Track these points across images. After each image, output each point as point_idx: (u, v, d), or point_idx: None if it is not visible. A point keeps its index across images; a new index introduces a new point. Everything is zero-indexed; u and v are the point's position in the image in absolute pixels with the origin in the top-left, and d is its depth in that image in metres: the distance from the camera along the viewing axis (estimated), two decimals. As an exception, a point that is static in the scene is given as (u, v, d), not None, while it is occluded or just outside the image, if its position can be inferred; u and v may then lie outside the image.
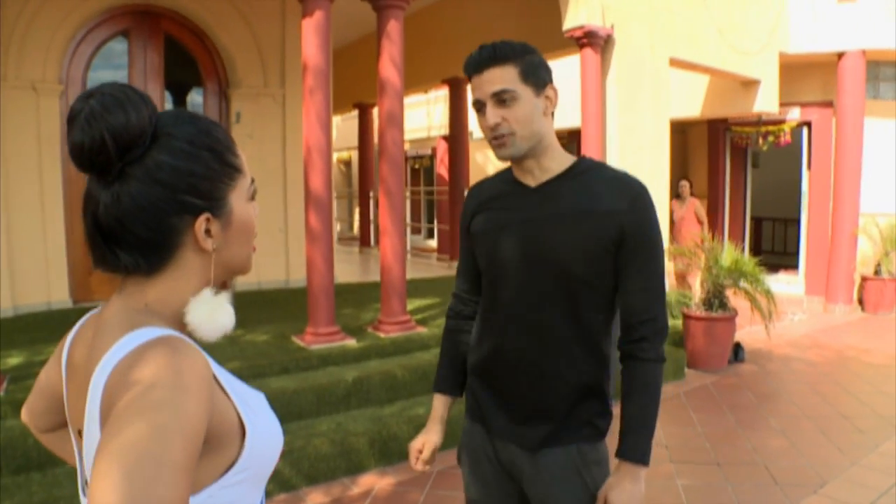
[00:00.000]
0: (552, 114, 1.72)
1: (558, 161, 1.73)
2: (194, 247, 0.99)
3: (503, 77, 1.63)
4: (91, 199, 0.96)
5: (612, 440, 1.71)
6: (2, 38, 6.07)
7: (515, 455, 1.77)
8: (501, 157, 1.70)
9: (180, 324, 1.00)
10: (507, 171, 1.82)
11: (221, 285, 1.05)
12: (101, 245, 0.98)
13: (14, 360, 4.65)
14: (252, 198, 1.08)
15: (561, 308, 1.69)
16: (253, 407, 1.01)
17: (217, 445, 0.92)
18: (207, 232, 0.99)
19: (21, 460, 3.62)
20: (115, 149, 0.91)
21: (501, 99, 1.63)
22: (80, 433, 0.96)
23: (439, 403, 1.99)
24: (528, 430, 1.74)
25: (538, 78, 1.66)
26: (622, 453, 1.65)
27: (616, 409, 1.75)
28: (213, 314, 1.00)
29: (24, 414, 1.24)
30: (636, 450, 1.64)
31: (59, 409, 1.13)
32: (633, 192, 1.67)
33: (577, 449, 1.72)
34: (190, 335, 0.99)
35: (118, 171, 0.94)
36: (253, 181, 1.08)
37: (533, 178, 1.73)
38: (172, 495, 0.73)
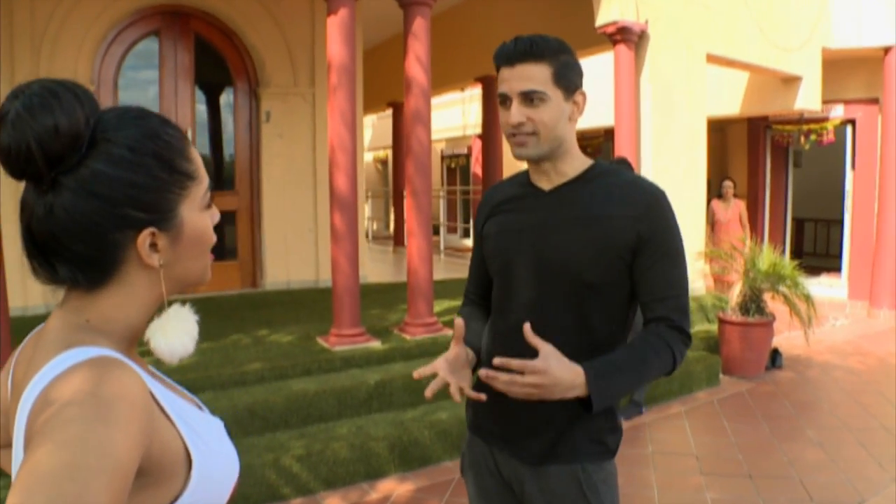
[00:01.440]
0: (577, 120, 1.67)
1: (574, 165, 1.68)
2: (139, 262, 0.91)
3: (535, 76, 1.56)
4: (26, 208, 0.88)
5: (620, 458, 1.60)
6: (34, 40, 6.14)
7: (517, 470, 1.71)
8: (519, 157, 1.64)
9: (127, 340, 0.93)
10: (524, 173, 1.77)
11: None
12: (37, 256, 0.89)
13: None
14: (209, 206, 0.99)
15: (569, 315, 1.63)
16: (202, 435, 0.93)
17: (157, 478, 0.84)
18: (153, 247, 0.91)
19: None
20: (44, 158, 0.82)
21: (530, 98, 1.57)
22: None
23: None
24: (529, 444, 1.68)
25: (570, 81, 1.60)
26: (591, 365, 1.48)
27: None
28: (170, 339, 0.93)
29: None
30: (602, 376, 1.48)
31: (10, 427, 1.07)
32: (648, 197, 1.61)
33: (582, 468, 1.64)
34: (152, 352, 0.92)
35: (51, 180, 0.85)
36: (209, 187, 0.99)
37: (548, 181, 1.68)
38: None
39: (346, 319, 5.12)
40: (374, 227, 17.96)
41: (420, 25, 5.36)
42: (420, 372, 1.59)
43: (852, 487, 3.95)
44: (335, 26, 4.99)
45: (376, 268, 9.94)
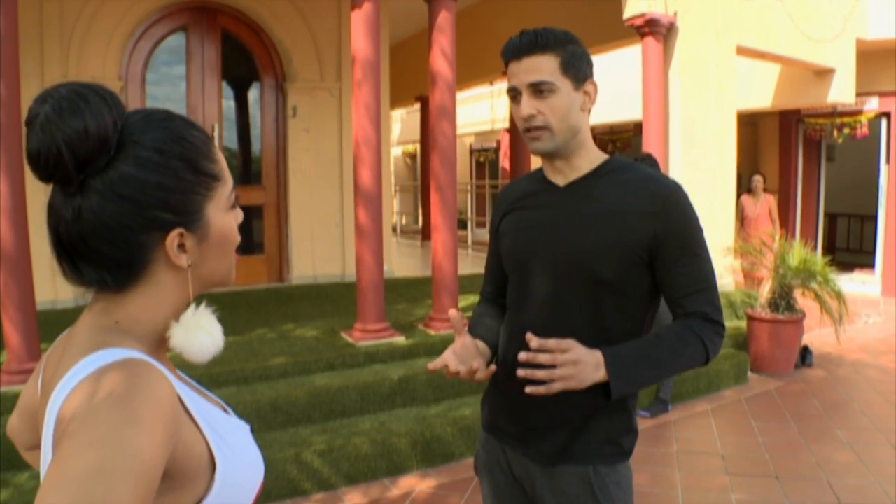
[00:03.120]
0: (589, 110, 1.65)
1: (589, 159, 1.65)
2: (167, 263, 0.91)
3: (542, 67, 1.55)
4: (53, 211, 0.88)
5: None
6: (63, 36, 6.22)
7: (528, 469, 1.69)
8: (534, 151, 1.63)
9: (155, 342, 0.93)
10: (539, 169, 1.75)
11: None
12: (65, 259, 0.90)
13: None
14: (233, 206, 0.99)
15: (584, 312, 1.60)
16: (227, 439, 0.93)
17: (182, 481, 0.84)
18: (181, 247, 0.91)
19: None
20: (73, 161, 0.82)
21: (539, 90, 1.56)
22: None
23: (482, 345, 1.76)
24: (542, 443, 1.66)
25: (578, 71, 1.58)
26: (610, 350, 1.49)
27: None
28: (195, 338, 0.92)
29: (9, 430, 1.19)
30: (622, 361, 1.48)
31: (38, 428, 1.08)
32: (664, 193, 1.57)
33: (594, 470, 1.61)
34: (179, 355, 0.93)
35: (80, 183, 0.85)
36: (234, 188, 0.99)
37: (563, 176, 1.66)
38: None
39: (371, 314, 5.13)
40: (403, 221, 18.01)
41: (445, 19, 5.33)
42: (433, 365, 1.57)
43: (882, 491, 3.87)
44: (359, 21, 4.99)
45: (403, 262, 9.96)
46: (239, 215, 1.01)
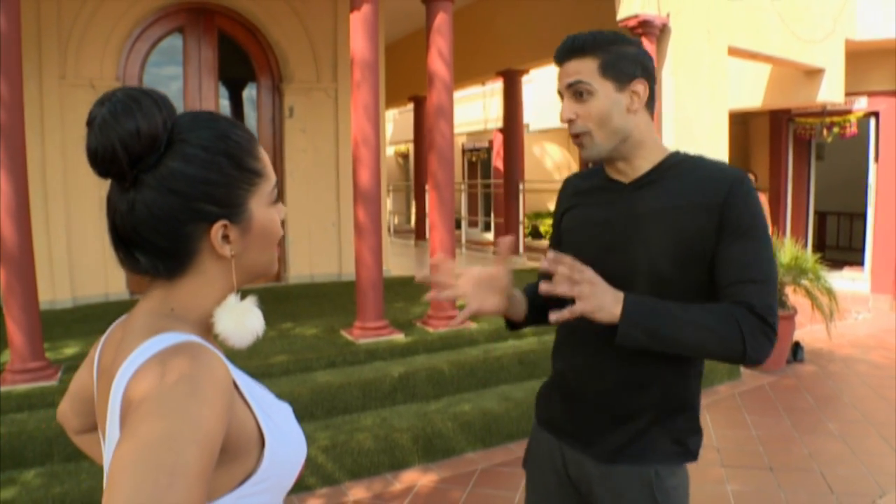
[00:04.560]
0: (649, 107, 1.60)
1: (651, 157, 1.61)
2: (212, 253, 0.98)
3: (580, 70, 1.55)
4: (111, 204, 0.97)
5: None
6: (61, 38, 6.25)
7: (586, 468, 1.66)
8: (585, 158, 1.61)
9: (205, 329, 1.00)
10: (601, 166, 1.72)
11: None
12: (122, 248, 0.98)
13: (70, 350, 4.78)
14: (275, 201, 1.06)
15: None
16: (274, 418, 1.00)
17: (235, 455, 0.91)
18: (225, 238, 0.98)
19: (72, 448, 3.72)
20: (126, 158, 0.91)
21: (577, 91, 1.56)
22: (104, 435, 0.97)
23: (520, 295, 1.76)
24: (602, 441, 1.63)
25: (621, 72, 1.55)
26: (634, 295, 1.45)
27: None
28: (240, 321, 0.99)
29: (59, 415, 1.26)
30: (641, 307, 1.43)
31: (91, 412, 1.15)
32: (728, 182, 1.51)
33: (656, 472, 1.58)
34: (222, 342, 1.00)
35: (133, 178, 0.93)
36: (276, 184, 1.06)
37: (625, 176, 1.64)
38: (186, 501, 0.73)
39: (370, 312, 5.18)
40: (396, 221, 18.04)
41: (443, 20, 5.40)
42: (434, 278, 1.56)
43: (873, 480, 3.96)
44: (358, 22, 5.04)
45: (398, 261, 10.00)
46: (282, 210, 1.08)
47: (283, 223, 1.08)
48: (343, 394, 4.47)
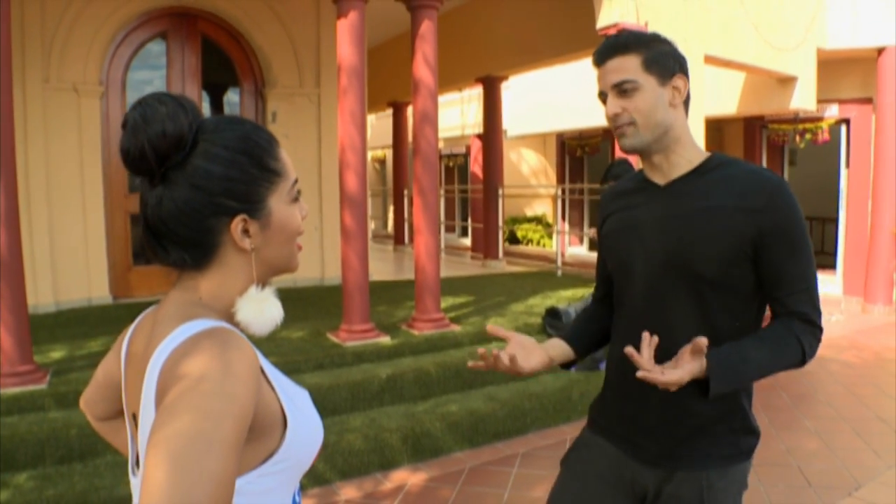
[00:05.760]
0: (684, 105, 1.65)
1: (688, 157, 1.65)
2: (234, 246, 1.06)
3: (624, 67, 1.59)
4: (142, 200, 1.05)
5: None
6: (45, 42, 6.24)
7: (642, 473, 1.69)
8: (624, 148, 1.64)
9: (229, 319, 1.06)
10: (640, 171, 1.76)
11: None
12: (153, 241, 1.06)
13: (56, 354, 4.79)
14: (296, 199, 1.13)
15: (689, 311, 1.59)
16: (296, 402, 1.07)
17: (259, 434, 0.97)
18: (246, 232, 1.05)
19: (64, 451, 3.74)
20: (154, 157, 0.99)
21: (623, 89, 1.59)
22: (134, 417, 1.03)
23: (556, 342, 1.86)
24: (654, 445, 1.66)
25: (663, 67, 1.60)
26: (714, 354, 1.48)
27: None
28: (260, 310, 1.06)
29: (82, 403, 1.32)
30: (725, 364, 1.48)
31: (116, 399, 1.21)
32: (770, 188, 1.55)
33: (707, 476, 1.61)
34: (242, 331, 1.05)
35: (161, 175, 1.02)
36: (296, 183, 1.13)
37: (662, 175, 1.67)
38: (222, 468, 0.80)
39: (357, 315, 5.24)
40: (373, 226, 18.07)
41: (427, 27, 5.48)
42: (493, 328, 1.68)
43: (848, 474, 4.10)
44: (345, 29, 5.11)
45: (378, 266, 10.04)
46: (304, 209, 1.15)
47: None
48: (332, 395, 4.52)
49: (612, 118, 1.62)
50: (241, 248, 1.06)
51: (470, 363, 1.69)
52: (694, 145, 1.67)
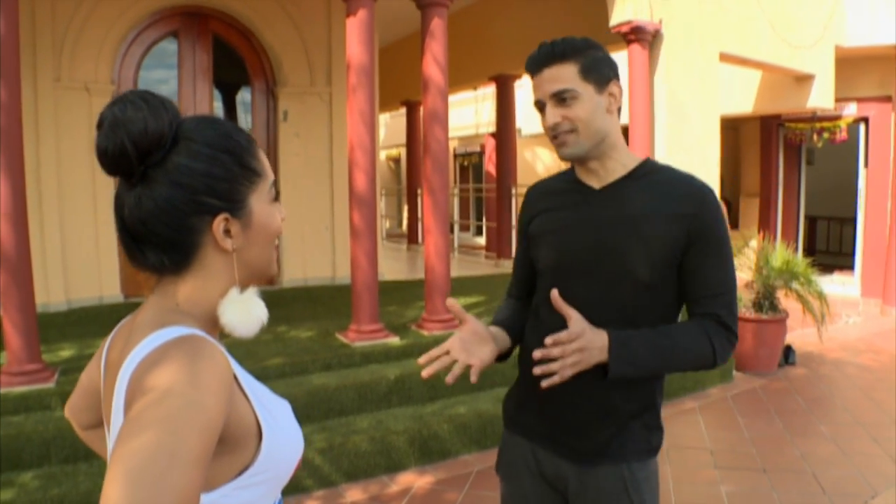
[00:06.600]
0: (617, 111, 1.67)
1: (623, 162, 1.68)
2: (215, 247, 1.03)
3: (562, 76, 1.59)
4: (119, 201, 1.02)
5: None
6: (56, 41, 6.25)
7: (560, 467, 1.71)
8: (563, 157, 1.66)
9: (211, 323, 1.03)
10: (570, 170, 1.77)
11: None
12: (131, 244, 1.03)
13: (66, 352, 4.79)
14: (275, 199, 1.10)
15: (619, 313, 1.62)
16: (273, 413, 1.03)
17: (233, 446, 0.94)
18: (227, 232, 1.02)
19: (69, 450, 3.73)
20: (135, 153, 0.96)
21: (561, 98, 1.60)
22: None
23: (497, 330, 1.79)
24: (576, 442, 1.68)
25: (600, 74, 1.61)
26: (617, 335, 1.53)
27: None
28: (246, 310, 1.03)
29: (67, 410, 1.30)
30: (626, 344, 1.53)
31: (99, 407, 1.18)
32: (700, 195, 1.61)
33: (628, 467, 1.66)
34: (227, 335, 1.04)
35: (141, 174, 0.98)
36: (274, 183, 1.11)
37: (597, 179, 1.68)
38: (185, 482, 0.76)
39: (365, 315, 5.21)
40: (387, 225, 18.06)
41: (437, 26, 5.43)
42: (427, 355, 1.56)
43: (864, 481, 4.01)
44: (354, 27, 5.07)
45: (391, 265, 10.02)
46: (281, 210, 1.12)
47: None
48: (339, 396, 4.49)
49: (552, 127, 1.63)
50: (222, 250, 1.03)
51: (424, 373, 1.54)
52: (627, 150, 1.70)
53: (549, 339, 1.48)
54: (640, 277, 1.60)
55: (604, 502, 1.66)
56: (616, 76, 1.65)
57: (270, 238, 1.09)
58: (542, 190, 1.83)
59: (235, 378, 0.97)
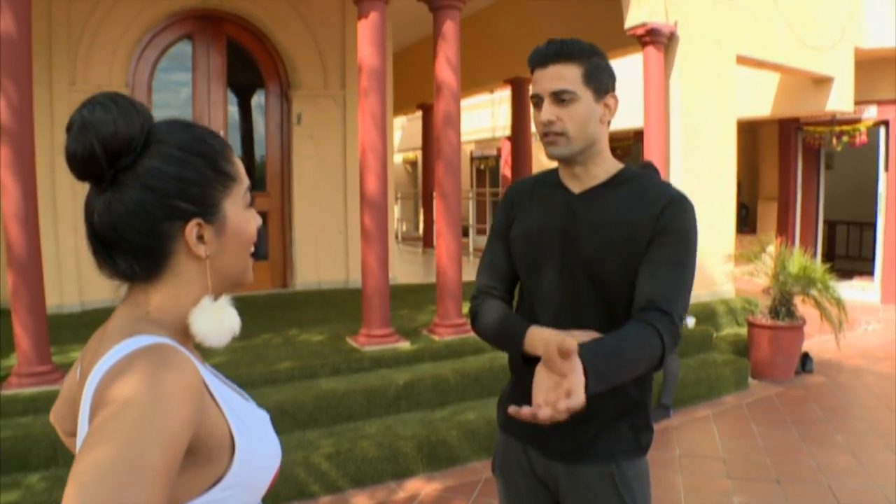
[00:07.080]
0: (608, 123, 1.70)
1: (605, 168, 1.70)
2: (188, 254, 1.00)
3: (564, 75, 1.60)
4: (88, 207, 0.99)
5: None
6: (71, 43, 6.28)
7: (551, 466, 1.74)
8: (551, 156, 1.67)
9: (182, 332, 1.00)
10: (552, 173, 1.79)
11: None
12: (100, 251, 0.99)
13: (77, 354, 4.76)
14: (250, 205, 1.08)
15: (598, 314, 1.64)
16: (247, 423, 1.00)
17: (205, 458, 0.91)
18: (200, 238, 0.99)
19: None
20: (105, 156, 0.93)
21: (561, 98, 1.61)
22: None
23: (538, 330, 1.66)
24: (564, 443, 1.70)
25: (600, 83, 1.64)
26: (588, 361, 1.35)
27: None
28: (217, 319, 1.00)
29: (52, 417, 1.28)
30: (603, 366, 1.39)
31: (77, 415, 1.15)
32: (666, 198, 1.63)
33: (617, 465, 1.68)
34: (199, 344, 1.00)
35: (111, 178, 0.95)
36: (249, 189, 1.08)
37: (579, 183, 1.71)
38: (146, 497, 0.73)
39: (376, 320, 5.18)
40: (404, 228, 18.06)
41: (450, 28, 5.40)
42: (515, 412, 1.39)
43: (882, 494, 3.92)
44: (365, 29, 5.06)
45: (406, 269, 10.00)
46: (256, 217, 1.09)
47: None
48: (347, 401, 4.46)
49: (545, 124, 1.64)
50: (195, 256, 1.00)
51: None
52: (610, 158, 1.72)
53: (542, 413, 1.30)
54: (614, 279, 1.63)
55: (594, 501, 1.68)
56: (614, 88, 1.68)
57: (245, 244, 1.06)
58: (522, 190, 1.83)
59: (207, 388, 0.95)
